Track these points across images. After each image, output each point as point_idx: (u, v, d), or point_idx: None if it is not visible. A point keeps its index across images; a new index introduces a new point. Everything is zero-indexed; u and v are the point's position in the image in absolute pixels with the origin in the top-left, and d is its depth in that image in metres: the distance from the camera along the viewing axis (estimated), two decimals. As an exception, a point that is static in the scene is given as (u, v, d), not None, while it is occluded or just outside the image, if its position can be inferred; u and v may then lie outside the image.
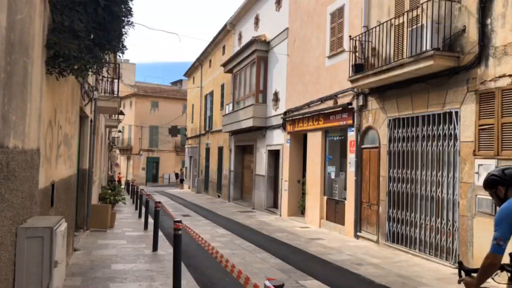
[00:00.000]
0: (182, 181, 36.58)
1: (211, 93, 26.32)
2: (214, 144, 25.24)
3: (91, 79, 9.54)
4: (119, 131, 38.89)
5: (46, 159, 4.44)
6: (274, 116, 15.61)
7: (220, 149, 23.66)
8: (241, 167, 20.62)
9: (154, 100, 47.91)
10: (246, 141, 19.04)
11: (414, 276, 6.58)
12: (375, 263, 7.22)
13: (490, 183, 2.95)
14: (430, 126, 7.93)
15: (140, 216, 13.40)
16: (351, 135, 10.49)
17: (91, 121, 10.45)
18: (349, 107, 10.48)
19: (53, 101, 4.78)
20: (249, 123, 16.58)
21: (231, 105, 20.34)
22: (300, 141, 14.24)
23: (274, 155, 16.12)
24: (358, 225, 9.91)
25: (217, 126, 24.37)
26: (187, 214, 15.48)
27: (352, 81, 9.59)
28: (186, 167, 35.82)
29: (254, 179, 17.68)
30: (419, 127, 8.24)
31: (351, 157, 10.40)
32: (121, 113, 26.23)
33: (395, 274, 6.68)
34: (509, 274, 2.83)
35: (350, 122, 10.50)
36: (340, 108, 10.87)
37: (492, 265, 2.69)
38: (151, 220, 11.19)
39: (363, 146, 10.06)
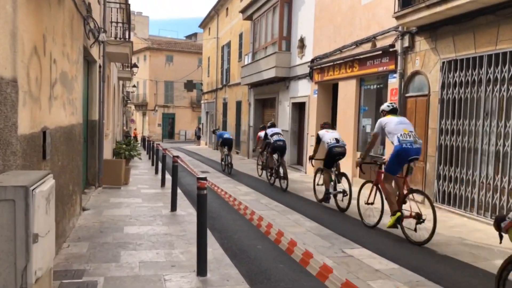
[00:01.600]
0: (199, 137, 35.80)
1: (228, 44, 24.81)
2: (232, 98, 24.06)
3: (97, 16, 8.34)
4: (134, 86, 37.88)
5: (31, 97, 3.39)
6: (300, 65, 14.25)
7: (239, 104, 22.50)
8: (261, 122, 19.50)
9: (168, 54, 46.39)
10: (267, 94, 17.80)
11: (481, 244, 5.54)
12: (428, 227, 6.21)
13: None
14: (499, 67, 6.60)
15: (156, 172, 12.55)
16: (393, 82, 9.20)
17: (100, 67, 9.36)
18: (391, 50, 9.12)
19: (40, 23, 3.66)
20: (271, 74, 15.28)
21: (250, 55, 18.94)
22: (329, 92, 12.96)
23: (299, 108, 14.92)
24: (399, 184, 8.84)
25: (235, 79, 23.08)
26: (205, 170, 14.61)
27: (397, 18, 8.18)
28: (202, 123, 34.91)
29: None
30: (482, 69, 6.91)
31: (392, 107, 9.16)
32: (135, 65, 25.12)
33: (457, 242, 5.64)
34: None
35: (391, 67, 9.18)
36: (380, 52, 9.52)
37: None
38: (168, 177, 10.33)
39: (407, 95, 8.79)
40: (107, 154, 12.24)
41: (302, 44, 14.13)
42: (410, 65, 8.63)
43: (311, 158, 8.61)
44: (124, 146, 14.85)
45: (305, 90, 13.92)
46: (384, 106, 6.28)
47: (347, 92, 11.24)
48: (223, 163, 14.43)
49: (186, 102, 47.69)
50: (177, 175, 7.25)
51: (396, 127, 5.78)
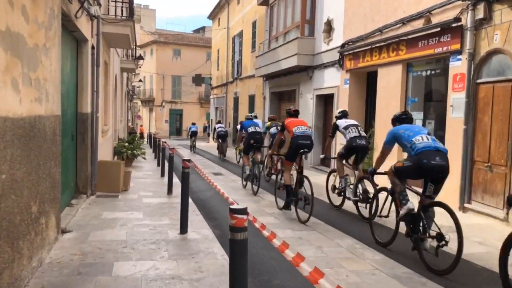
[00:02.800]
0: (209, 134, 34.11)
1: (240, 34, 23.00)
2: (244, 92, 22.28)
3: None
4: (140, 80, 36.24)
5: None
6: (326, 51, 12.42)
7: (252, 98, 20.72)
8: (278, 117, 17.70)
9: (176, 48, 44.68)
10: (285, 86, 15.99)
11: None
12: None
13: None
14: None
15: (162, 174, 10.82)
16: (456, 65, 7.35)
17: (93, 47, 7.63)
18: (455, 25, 7.28)
19: None
20: (291, 62, 13.48)
21: (266, 43, 17.14)
22: (363, 81, 11.14)
23: (324, 101, 13.11)
24: (467, 194, 7.00)
25: (248, 72, 21.29)
26: (218, 172, 12.88)
27: (470, -19, 6.35)
28: (211, 119, 33.18)
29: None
30: None
31: (456, 97, 7.32)
32: (140, 57, 23.44)
33: None
34: None
35: (455, 46, 7.33)
36: (438, 29, 7.67)
37: None
38: (176, 181, 8.60)
39: (480, 81, 6.93)
40: (106, 153, 10.55)
41: (329, 28, 12.29)
42: (485, 43, 6.77)
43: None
44: (126, 144, 13.15)
45: (332, 80, 12.09)
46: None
47: (390, 80, 9.40)
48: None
49: (194, 98, 45.97)
50: (188, 185, 5.49)
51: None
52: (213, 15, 30.16)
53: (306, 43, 13.16)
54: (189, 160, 5.45)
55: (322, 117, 13.21)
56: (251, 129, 9.66)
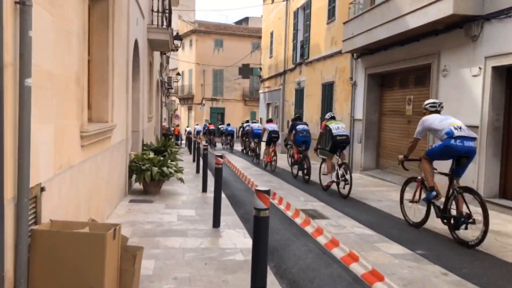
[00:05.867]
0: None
1: (307, 4, 17.24)
2: (313, 80, 16.54)
3: None
4: (178, 74, 31.25)
5: None
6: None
7: (327, 87, 14.93)
8: (379, 113, 11.84)
9: (217, 38, 39.51)
10: (402, 62, 10.05)
11: None
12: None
13: None
14: None
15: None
16: None
17: None
18: None
19: None
20: (439, 12, 7.60)
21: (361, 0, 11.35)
22: None
23: (508, 77, 7.15)
24: None
25: (321, 51, 15.55)
26: (317, 212, 7.24)
27: None
28: (260, 118, 27.63)
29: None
30: None
31: None
32: (178, 36, 18.34)
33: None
34: None
35: None
36: None
37: None
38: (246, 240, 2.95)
39: None
40: (112, 174, 5.20)
41: None
42: None
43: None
44: (151, 155, 7.73)
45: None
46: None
47: None
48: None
49: (237, 95, 40.69)
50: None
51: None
52: (265, -9, 24.63)
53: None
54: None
55: (502, 106, 7.22)
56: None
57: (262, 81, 26.42)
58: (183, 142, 30.23)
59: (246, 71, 27.76)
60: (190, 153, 17.55)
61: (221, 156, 5.53)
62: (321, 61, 15.54)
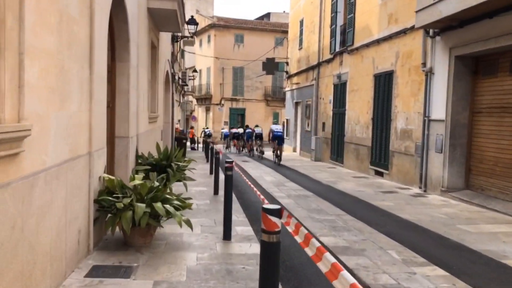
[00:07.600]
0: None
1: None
2: (360, 72, 13.17)
3: None
4: (194, 71, 28.20)
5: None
6: None
7: (383, 79, 11.56)
8: (470, 111, 8.41)
9: (238, 33, 36.38)
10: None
11: None
12: None
13: None
14: None
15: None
16: None
17: None
18: None
19: None
20: None
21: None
22: None
23: None
24: None
25: (372, 35, 12.20)
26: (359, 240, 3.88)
27: None
28: (287, 119, 24.37)
29: None
30: None
31: None
32: (193, 21, 15.29)
33: None
34: None
35: None
36: None
37: None
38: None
39: None
40: (40, 225, 1.98)
41: None
42: None
43: None
44: (136, 182, 4.50)
45: None
46: None
47: None
48: None
49: (259, 94, 37.47)
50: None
51: None
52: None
53: None
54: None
55: None
56: None
57: (289, 77, 23.16)
58: (200, 145, 27.13)
59: (270, 66, 24.37)
60: (208, 161, 14.39)
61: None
62: (373, 46, 12.19)
